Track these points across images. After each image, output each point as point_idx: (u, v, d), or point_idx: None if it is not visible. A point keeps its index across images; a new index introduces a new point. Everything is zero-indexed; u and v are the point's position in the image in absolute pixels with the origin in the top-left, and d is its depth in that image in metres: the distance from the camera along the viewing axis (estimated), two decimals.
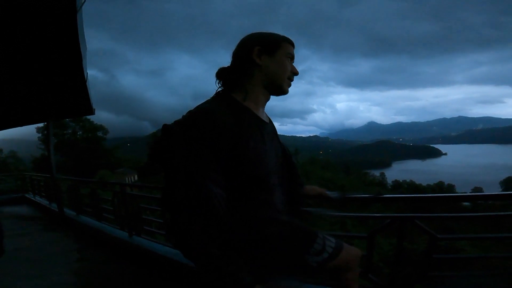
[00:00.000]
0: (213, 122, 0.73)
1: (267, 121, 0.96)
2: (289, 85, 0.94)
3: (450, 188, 46.15)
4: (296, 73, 0.94)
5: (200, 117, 0.74)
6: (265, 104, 0.95)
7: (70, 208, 5.03)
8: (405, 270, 1.50)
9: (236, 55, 0.91)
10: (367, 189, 36.88)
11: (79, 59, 2.25)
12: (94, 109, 4.64)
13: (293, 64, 0.95)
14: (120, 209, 3.42)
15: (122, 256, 3.08)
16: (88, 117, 29.97)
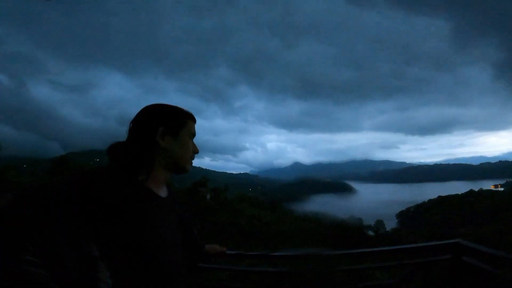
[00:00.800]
0: (110, 184, 0.75)
1: (165, 195, 0.94)
2: (191, 164, 0.96)
3: (360, 221, 52.40)
4: (197, 152, 0.95)
5: (97, 175, 0.75)
6: (166, 181, 0.96)
7: None
8: None
9: (136, 131, 0.87)
10: (293, 224, 40.29)
11: None
12: None
13: (193, 141, 0.96)
14: None
15: None
16: None
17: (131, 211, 0.77)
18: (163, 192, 0.93)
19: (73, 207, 0.69)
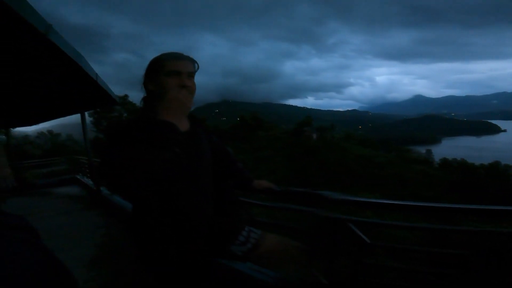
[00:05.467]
0: (128, 134, 0.90)
1: (186, 129, 1.05)
2: (187, 96, 1.00)
3: (507, 168, 40.49)
4: (183, 85, 0.99)
5: (120, 130, 0.95)
6: (183, 114, 1.01)
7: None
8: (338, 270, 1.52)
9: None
10: (408, 167, 34.61)
11: (79, 67, 2.61)
12: (117, 98, 5.16)
13: (183, 75, 1.00)
14: None
15: None
16: (130, 99, 32.56)
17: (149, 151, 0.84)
18: (182, 126, 1.01)
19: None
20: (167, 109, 0.94)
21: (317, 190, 1.49)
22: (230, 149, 1.36)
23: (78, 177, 8.56)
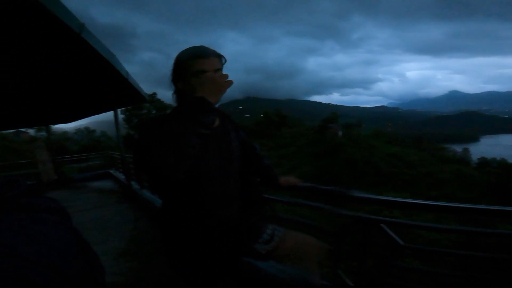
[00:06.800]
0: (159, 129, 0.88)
1: (216, 124, 1.03)
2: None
3: None
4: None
5: (152, 118, 0.98)
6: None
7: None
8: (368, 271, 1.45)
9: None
10: (442, 166, 32.39)
11: (111, 65, 2.69)
12: (147, 95, 5.35)
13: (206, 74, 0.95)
14: None
15: None
16: (158, 97, 33.94)
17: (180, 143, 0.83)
18: None
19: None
20: (203, 88, 0.89)
21: (344, 189, 1.45)
22: (257, 145, 1.33)
23: (111, 171, 8.92)
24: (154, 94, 35.10)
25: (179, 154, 0.78)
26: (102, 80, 3.68)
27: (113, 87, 4.12)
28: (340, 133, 45.26)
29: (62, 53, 2.45)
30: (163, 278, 2.34)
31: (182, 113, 0.83)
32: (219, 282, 1.07)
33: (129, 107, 29.40)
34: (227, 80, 0.90)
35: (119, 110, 6.18)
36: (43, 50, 2.32)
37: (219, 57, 1.00)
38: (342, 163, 30.37)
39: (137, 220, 4.06)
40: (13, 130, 22.51)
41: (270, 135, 44.52)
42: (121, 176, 7.27)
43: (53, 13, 1.53)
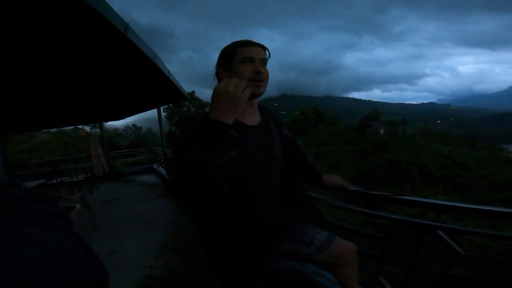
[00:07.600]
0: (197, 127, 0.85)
1: (255, 124, 1.01)
2: (259, 85, 0.95)
3: None
4: (257, 72, 0.93)
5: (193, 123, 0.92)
6: (251, 108, 1.00)
7: None
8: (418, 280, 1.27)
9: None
10: (501, 168, 28.55)
11: (154, 64, 2.77)
12: (187, 93, 5.52)
13: (257, 62, 0.94)
14: None
15: None
16: (196, 95, 35.43)
17: None
18: (251, 121, 1.00)
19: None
20: (216, 104, 0.83)
21: (395, 193, 1.34)
22: (300, 142, 1.29)
23: (155, 166, 9.32)
24: (193, 92, 36.56)
25: (208, 182, 0.74)
26: (146, 79, 3.85)
27: (156, 85, 4.31)
28: (382, 130, 42.54)
29: (110, 53, 2.57)
30: (198, 275, 2.33)
31: (201, 142, 0.77)
32: (255, 281, 1.05)
33: (170, 105, 31.11)
34: (244, 89, 0.83)
35: (161, 108, 6.48)
36: (93, 51, 2.45)
37: (265, 49, 0.99)
38: (384, 163, 28.47)
39: (177, 215, 4.19)
40: (72, 127, 25.25)
41: (306, 132, 43.59)
42: (163, 171, 7.59)
43: (99, 12, 1.56)
